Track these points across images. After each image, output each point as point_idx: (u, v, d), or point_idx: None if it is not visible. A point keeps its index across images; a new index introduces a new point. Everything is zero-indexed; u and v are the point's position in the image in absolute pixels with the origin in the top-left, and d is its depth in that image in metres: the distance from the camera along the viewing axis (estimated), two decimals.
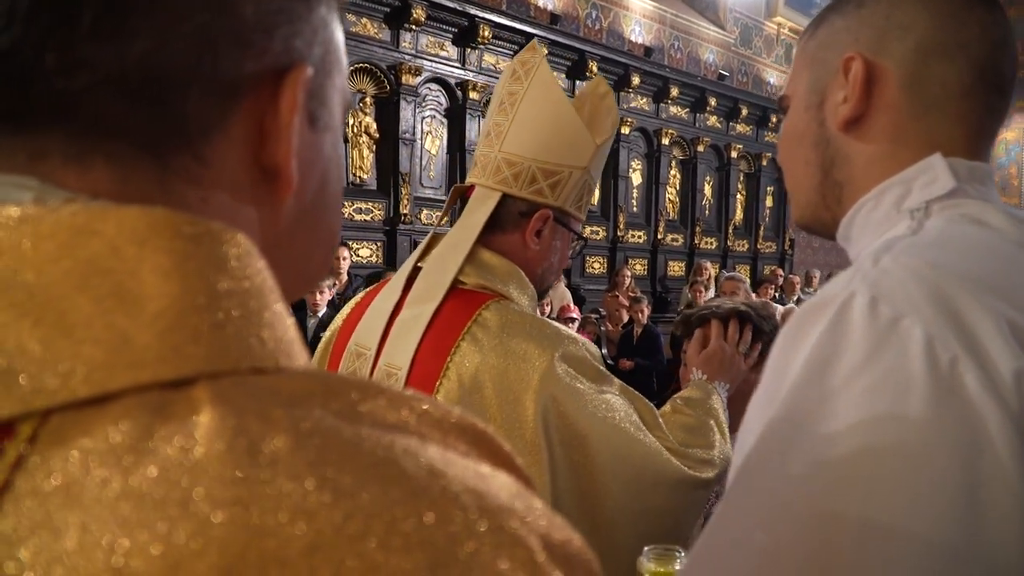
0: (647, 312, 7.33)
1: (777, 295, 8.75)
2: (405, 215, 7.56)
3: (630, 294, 7.83)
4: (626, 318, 7.33)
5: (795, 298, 8.84)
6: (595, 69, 9.03)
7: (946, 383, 0.59)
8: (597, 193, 9.85)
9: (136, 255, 0.33)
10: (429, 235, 1.46)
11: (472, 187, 1.43)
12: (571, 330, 1.39)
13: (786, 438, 0.63)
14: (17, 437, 0.30)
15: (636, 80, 9.69)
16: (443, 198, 8.03)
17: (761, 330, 1.68)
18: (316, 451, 0.30)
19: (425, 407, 0.36)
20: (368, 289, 1.50)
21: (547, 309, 6.64)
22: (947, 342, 0.60)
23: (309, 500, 0.29)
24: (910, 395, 0.59)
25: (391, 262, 7.22)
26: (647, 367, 6.93)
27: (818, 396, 0.62)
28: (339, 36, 0.46)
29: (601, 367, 1.34)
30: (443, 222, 1.58)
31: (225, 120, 0.39)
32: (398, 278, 1.41)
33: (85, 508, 0.28)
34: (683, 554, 1.07)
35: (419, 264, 1.41)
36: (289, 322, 0.38)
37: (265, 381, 0.34)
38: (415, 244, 8.61)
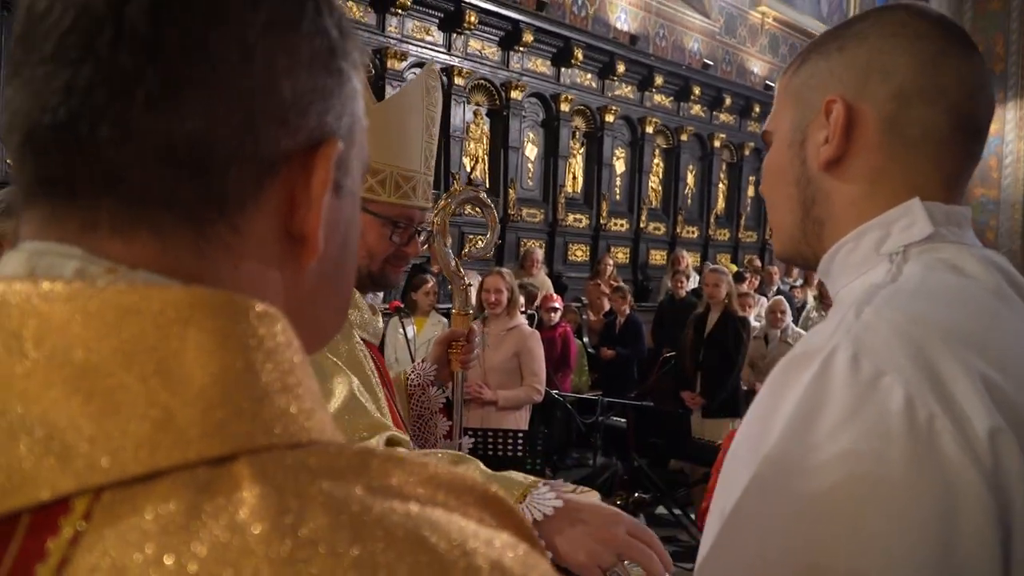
0: (630, 302, 7.36)
1: (757, 285, 8.80)
2: None
3: (612, 283, 7.85)
4: (608, 307, 7.36)
5: (775, 288, 8.90)
6: (580, 56, 9.00)
7: (924, 441, 0.61)
8: (580, 180, 9.80)
9: (179, 334, 0.35)
10: None
11: None
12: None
13: (770, 492, 0.64)
14: (73, 514, 0.32)
15: (621, 68, 9.67)
16: None
17: None
18: (353, 529, 0.32)
19: (440, 474, 0.37)
20: None
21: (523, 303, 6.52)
22: (925, 400, 0.62)
23: None
24: (890, 452, 0.61)
25: None
26: (628, 356, 6.97)
27: (801, 451, 0.63)
28: (362, 102, 0.47)
29: None
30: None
31: (260, 192, 0.41)
32: None
33: None
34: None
35: None
36: (316, 391, 0.39)
37: (300, 456, 0.35)
38: None
